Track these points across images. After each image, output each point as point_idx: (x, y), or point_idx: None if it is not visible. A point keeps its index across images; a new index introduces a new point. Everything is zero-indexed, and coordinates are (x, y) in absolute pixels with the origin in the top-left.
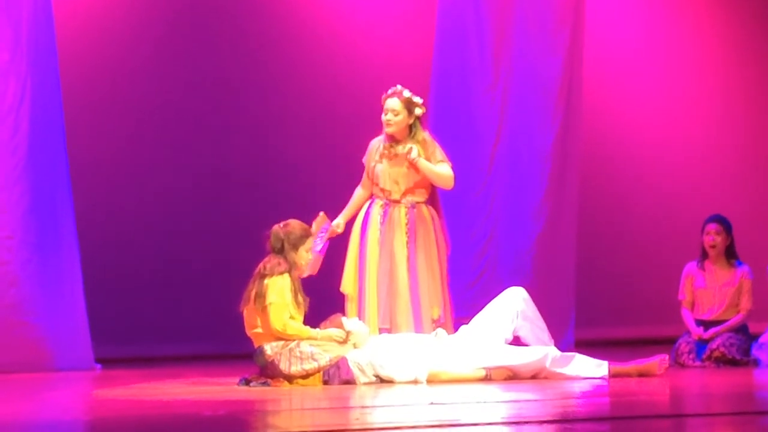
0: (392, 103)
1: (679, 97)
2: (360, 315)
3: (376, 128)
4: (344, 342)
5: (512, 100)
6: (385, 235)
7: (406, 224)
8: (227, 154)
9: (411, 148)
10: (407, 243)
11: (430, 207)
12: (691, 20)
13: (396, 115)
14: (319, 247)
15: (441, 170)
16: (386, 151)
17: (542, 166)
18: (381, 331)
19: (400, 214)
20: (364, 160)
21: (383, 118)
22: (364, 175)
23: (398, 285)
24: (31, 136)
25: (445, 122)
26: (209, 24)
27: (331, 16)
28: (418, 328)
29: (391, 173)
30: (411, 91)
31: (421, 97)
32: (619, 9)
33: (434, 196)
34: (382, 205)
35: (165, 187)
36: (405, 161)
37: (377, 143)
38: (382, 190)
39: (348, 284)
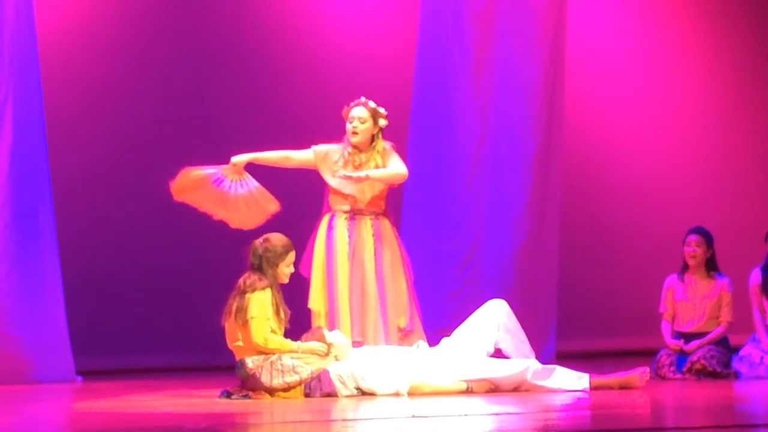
0: (359, 111)
1: (663, 107)
2: (331, 330)
3: None
4: (326, 355)
5: (494, 110)
6: (354, 249)
7: (373, 236)
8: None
9: (357, 176)
10: (374, 255)
11: (389, 217)
12: (673, 30)
13: (363, 122)
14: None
15: (391, 170)
16: (351, 158)
17: (524, 177)
18: (354, 344)
19: (367, 225)
20: (316, 149)
21: (349, 126)
22: (304, 152)
23: (368, 297)
24: (13, 146)
25: (427, 132)
26: (189, 34)
27: (314, 28)
28: (387, 339)
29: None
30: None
31: (385, 109)
32: (601, 18)
33: (389, 206)
34: (346, 218)
35: (146, 198)
36: (368, 168)
37: (340, 149)
38: (347, 197)
39: (317, 301)
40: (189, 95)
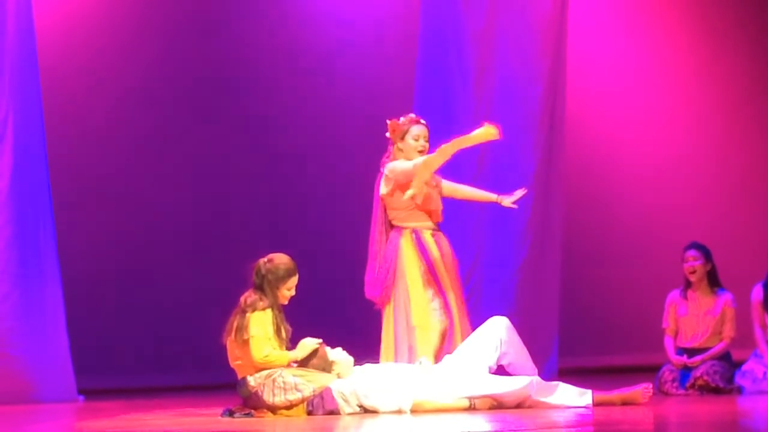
0: (424, 130)
1: (663, 122)
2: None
3: (368, 160)
4: (323, 358)
5: None
6: (445, 263)
7: (450, 249)
8: (212, 188)
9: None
10: (454, 268)
11: None
12: (672, 45)
13: (427, 141)
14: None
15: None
16: None
17: (526, 195)
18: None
19: (446, 240)
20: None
21: (415, 143)
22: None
23: (460, 311)
24: (14, 166)
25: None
26: (192, 48)
27: (315, 45)
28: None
29: (434, 195)
30: (393, 117)
31: None
32: (601, 35)
33: None
34: (432, 234)
35: (147, 218)
36: (436, 185)
37: None
38: (431, 212)
39: (421, 317)
40: (193, 110)
